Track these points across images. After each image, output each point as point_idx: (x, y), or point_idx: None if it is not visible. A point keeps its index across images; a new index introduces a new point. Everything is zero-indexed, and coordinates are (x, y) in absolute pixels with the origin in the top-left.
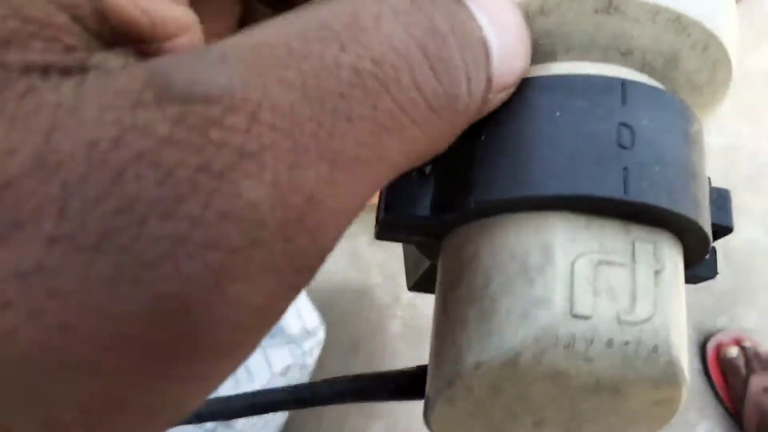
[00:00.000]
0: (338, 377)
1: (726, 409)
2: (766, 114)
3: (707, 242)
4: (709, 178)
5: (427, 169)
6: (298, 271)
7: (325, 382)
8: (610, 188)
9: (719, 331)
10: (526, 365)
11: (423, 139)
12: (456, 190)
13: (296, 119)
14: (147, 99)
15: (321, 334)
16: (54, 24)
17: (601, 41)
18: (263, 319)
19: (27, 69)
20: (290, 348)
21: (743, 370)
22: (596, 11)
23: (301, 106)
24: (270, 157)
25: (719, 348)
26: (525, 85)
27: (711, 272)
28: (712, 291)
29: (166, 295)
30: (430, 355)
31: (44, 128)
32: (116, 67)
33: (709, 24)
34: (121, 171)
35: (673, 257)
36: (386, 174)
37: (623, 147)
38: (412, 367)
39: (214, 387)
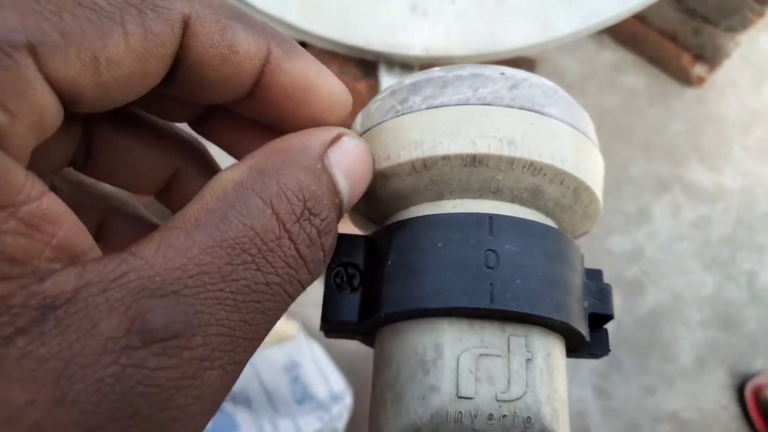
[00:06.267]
0: None
1: None
2: None
3: (577, 332)
4: (601, 272)
5: (356, 283)
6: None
7: None
8: (479, 300)
9: (757, 374)
10: None
11: (294, 300)
12: (373, 303)
13: (231, 324)
14: (135, 343)
15: (348, 398)
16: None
17: (473, 185)
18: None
19: (7, 341)
20: (319, 414)
21: None
22: (465, 165)
23: (234, 315)
24: (218, 353)
25: (758, 391)
26: (419, 223)
27: (603, 351)
28: (744, 333)
29: None
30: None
31: (53, 378)
32: (71, 294)
33: (560, 165)
34: (125, 393)
35: (544, 347)
36: (272, 327)
37: (489, 267)
38: None
39: None
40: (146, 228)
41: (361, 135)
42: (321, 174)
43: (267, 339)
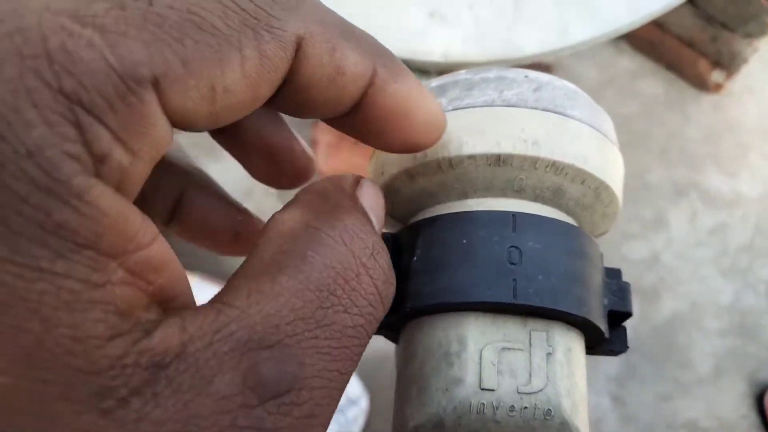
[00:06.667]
0: None
1: None
2: None
3: (597, 328)
4: (620, 271)
5: None
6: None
7: None
8: (503, 295)
9: None
10: (450, 427)
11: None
12: (399, 297)
13: (329, 374)
14: (251, 401)
15: (364, 402)
16: (116, 358)
17: (497, 184)
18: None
19: (122, 404)
20: (335, 417)
21: None
22: (489, 164)
23: (331, 364)
24: (320, 408)
25: None
26: (444, 220)
27: (621, 347)
28: (762, 341)
29: None
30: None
31: None
32: (178, 350)
33: (581, 165)
34: None
35: (565, 341)
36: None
37: (513, 263)
38: None
39: None
40: (222, 202)
41: None
42: (362, 212)
43: None
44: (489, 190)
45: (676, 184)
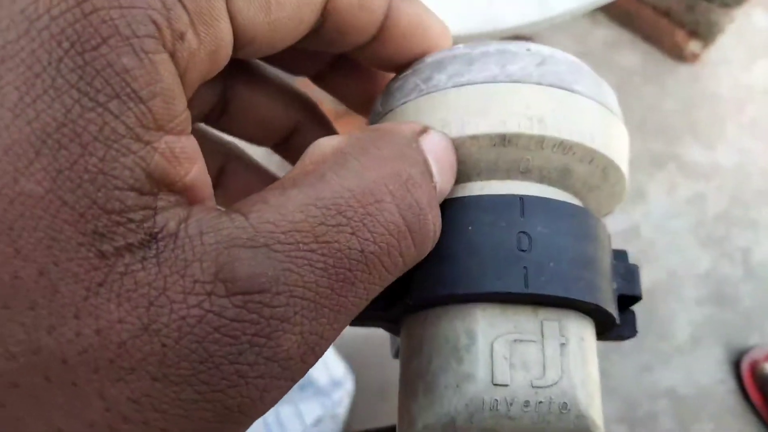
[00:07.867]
0: None
1: None
2: None
3: (609, 314)
4: (626, 253)
5: None
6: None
7: None
8: (513, 285)
9: (753, 348)
10: (462, 426)
11: (394, 278)
12: (400, 289)
13: (318, 289)
14: (219, 291)
15: (349, 384)
16: (127, 207)
17: (502, 165)
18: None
19: (117, 253)
20: (320, 400)
21: None
22: (494, 145)
23: (322, 279)
24: (299, 317)
25: (754, 366)
26: (447, 205)
27: (631, 332)
28: (739, 309)
29: (228, 406)
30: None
31: (145, 303)
32: (174, 231)
33: (590, 143)
34: (203, 337)
35: (578, 330)
36: (362, 307)
37: (522, 250)
38: (389, 425)
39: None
40: (261, 174)
41: (383, 116)
42: (417, 153)
43: None
44: (493, 172)
45: (654, 156)
